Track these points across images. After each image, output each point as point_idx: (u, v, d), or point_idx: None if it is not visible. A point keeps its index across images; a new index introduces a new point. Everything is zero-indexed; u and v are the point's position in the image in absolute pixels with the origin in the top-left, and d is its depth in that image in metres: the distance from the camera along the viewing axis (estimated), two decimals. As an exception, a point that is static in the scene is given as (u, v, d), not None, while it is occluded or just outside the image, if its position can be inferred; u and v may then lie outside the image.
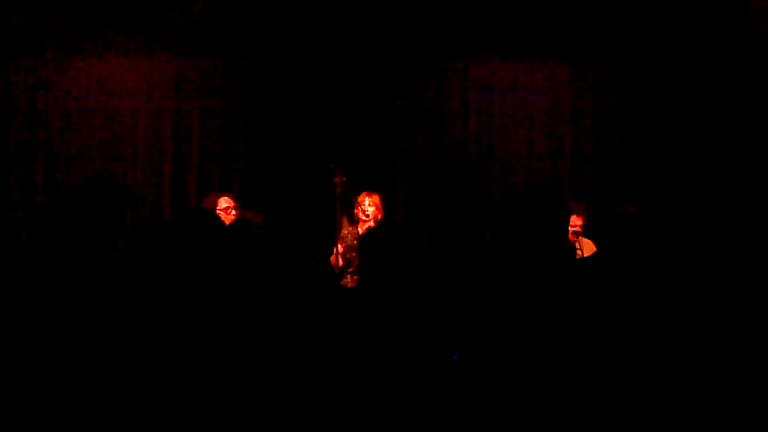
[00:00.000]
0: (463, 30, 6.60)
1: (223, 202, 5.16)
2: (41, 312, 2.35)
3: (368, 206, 5.27)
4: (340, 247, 5.29)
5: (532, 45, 6.66)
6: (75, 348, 2.29)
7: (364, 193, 5.35)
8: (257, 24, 6.48)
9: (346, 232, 5.32)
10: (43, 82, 6.42)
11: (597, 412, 2.23)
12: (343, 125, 6.53)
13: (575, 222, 5.13)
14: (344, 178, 5.44)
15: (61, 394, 2.23)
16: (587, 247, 4.93)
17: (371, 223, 5.20)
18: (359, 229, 5.26)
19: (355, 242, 4.92)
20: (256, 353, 2.37)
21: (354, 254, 4.92)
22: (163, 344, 2.33)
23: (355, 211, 5.32)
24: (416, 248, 2.68)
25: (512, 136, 6.72)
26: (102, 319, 2.35)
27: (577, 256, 4.91)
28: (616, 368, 2.34)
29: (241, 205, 5.26)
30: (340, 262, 5.29)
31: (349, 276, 5.17)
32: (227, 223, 4.10)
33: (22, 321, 2.33)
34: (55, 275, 2.47)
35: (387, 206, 5.41)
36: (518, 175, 6.69)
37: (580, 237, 5.11)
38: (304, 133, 6.53)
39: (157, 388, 2.26)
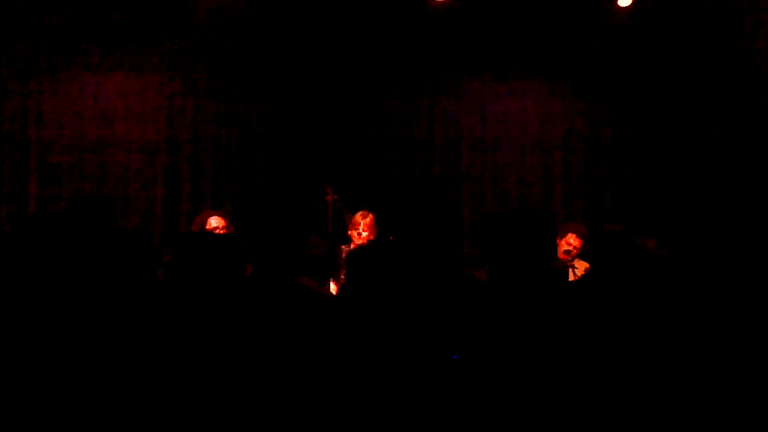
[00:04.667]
0: (456, 48, 6.63)
1: (214, 221, 5.10)
2: (31, 328, 2.33)
3: (363, 228, 5.22)
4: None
5: (524, 63, 6.69)
6: (66, 362, 2.27)
7: (360, 213, 5.30)
8: (251, 42, 6.50)
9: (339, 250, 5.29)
10: (36, 96, 6.42)
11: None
12: (335, 143, 6.52)
13: (571, 242, 5.12)
14: (336, 196, 5.42)
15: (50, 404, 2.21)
16: (583, 269, 4.90)
17: (364, 242, 5.15)
18: (351, 248, 5.22)
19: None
20: (248, 368, 2.35)
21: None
22: (154, 362, 2.31)
23: (349, 230, 5.29)
24: (404, 265, 2.67)
25: (504, 152, 6.72)
26: (92, 335, 2.34)
27: (571, 276, 4.89)
28: (604, 383, 2.33)
29: (232, 223, 5.22)
30: (332, 280, 5.26)
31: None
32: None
33: (11, 336, 2.32)
34: (46, 290, 2.45)
35: (379, 225, 5.37)
36: (510, 191, 6.69)
37: (576, 259, 5.07)
38: (296, 151, 6.52)
39: (148, 402, 2.24)
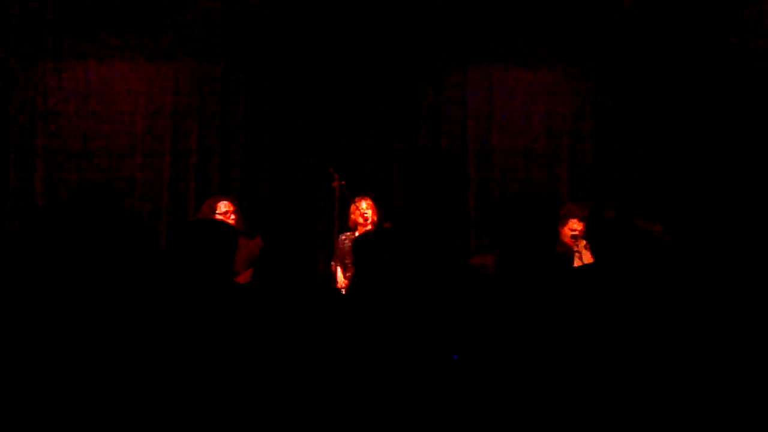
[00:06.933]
0: (462, 34, 6.61)
1: (223, 206, 5.13)
2: (37, 316, 2.35)
3: (366, 209, 5.25)
4: (338, 252, 5.29)
5: (531, 49, 6.66)
6: (71, 352, 2.29)
7: (358, 198, 5.33)
8: (257, 29, 6.49)
9: (343, 237, 5.31)
10: (42, 84, 6.45)
11: (586, 416, 2.22)
12: (341, 129, 6.53)
13: (575, 226, 5.13)
14: (343, 182, 5.44)
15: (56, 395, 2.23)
16: (583, 248, 4.90)
17: (369, 227, 5.18)
18: (357, 234, 5.24)
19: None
20: (255, 357, 2.37)
21: (350, 261, 4.92)
22: (161, 350, 2.33)
23: (352, 216, 5.31)
24: (410, 251, 2.68)
25: (511, 140, 6.71)
26: (98, 324, 2.35)
27: (577, 261, 4.89)
28: (609, 372, 2.33)
29: (239, 208, 5.25)
30: (339, 267, 5.29)
31: (347, 281, 5.16)
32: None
33: (18, 325, 2.33)
34: (52, 279, 2.46)
35: (383, 209, 5.39)
36: (517, 179, 6.68)
37: (578, 240, 5.09)
38: (302, 137, 6.53)
39: (152, 393, 2.26)
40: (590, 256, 4.84)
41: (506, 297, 2.38)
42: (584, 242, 4.94)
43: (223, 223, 3.43)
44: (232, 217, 5.07)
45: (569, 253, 4.80)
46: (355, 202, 5.30)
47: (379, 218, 5.24)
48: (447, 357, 2.29)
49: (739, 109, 6.39)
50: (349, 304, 2.68)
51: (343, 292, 4.90)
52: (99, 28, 6.39)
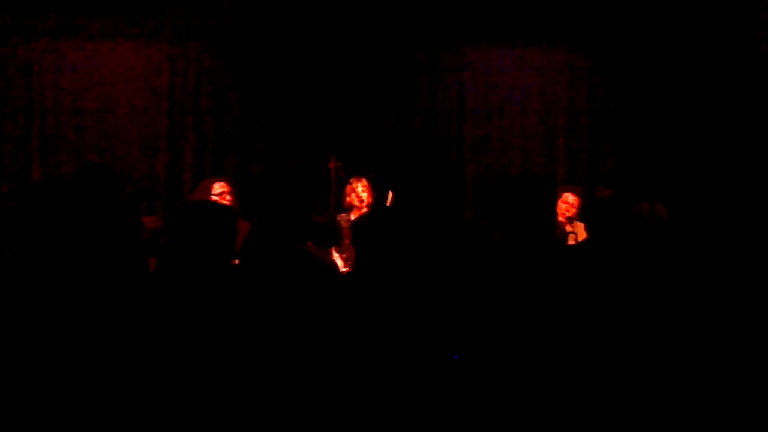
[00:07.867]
0: (459, 14, 6.56)
1: (218, 187, 5.12)
2: (39, 307, 2.33)
3: (362, 191, 5.26)
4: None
5: (528, 29, 6.63)
6: (74, 345, 2.27)
7: (353, 179, 5.32)
8: (252, 9, 6.45)
9: (338, 218, 5.31)
10: (37, 66, 6.39)
11: (581, 399, 2.23)
12: (338, 111, 6.50)
13: (569, 200, 5.16)
14: (339, 164, 5.43)
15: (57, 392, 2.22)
16: (582, 232, 4.94)
17: (365, 209, 5.18)
18: (352, 216, 5.24)
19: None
20: (255, 342, 2.36)
21: (348, 241, 4.92)
22: (162, 338, 2.32)
23: (348, 198, 5.30)
24: (409, 232, 2.67)
25: (507, 121, 6.70)
26: (100, 313, 2.34)
27: (572, 241, 4.92)
28: (605, 354, 2.34)
29: (235, 190, 5.23)
30: (335, 247, 5.29)
31: (344, 261, 5.17)
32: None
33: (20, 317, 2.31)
34: (51, 269, 2.44)
35: (377, 190, 5.38)
36: (514, 160, 6.67)
37: (574, 222, 5.13)
38: (299, 118, 6.50)
39: (155, 385, 2.25)
40: (585, 233, 4.90)
41: (508, 278, 2.38)
42: (580, 224, 4.98)
43: (222, 205, 3.41)
44: (228, 198, 5.06)
45: (563, 235, 4.82)
46: (350, 183, 5.29)
47: (374, 199, 5.24)
48: (451, 342, 2.28)
49: (739, 96, 6.38)
50: (351, 287, 2.66)
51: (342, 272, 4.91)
52: (96, 9, 6.34)
